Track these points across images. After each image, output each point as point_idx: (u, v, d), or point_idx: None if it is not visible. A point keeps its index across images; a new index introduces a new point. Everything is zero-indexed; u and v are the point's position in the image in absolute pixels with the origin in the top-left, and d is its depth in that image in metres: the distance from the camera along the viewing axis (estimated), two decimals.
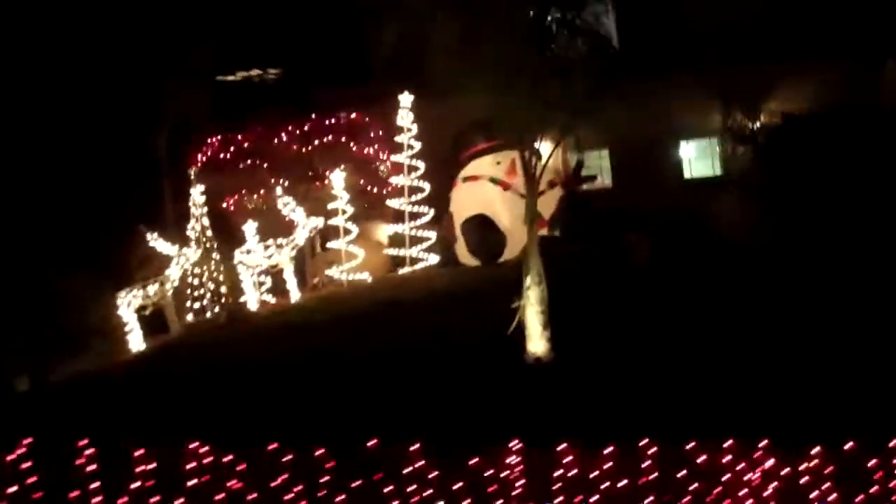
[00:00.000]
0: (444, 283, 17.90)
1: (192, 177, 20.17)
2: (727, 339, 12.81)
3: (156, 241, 18.10)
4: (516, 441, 9.68)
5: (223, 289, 19.66)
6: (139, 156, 23.16)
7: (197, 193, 19.82)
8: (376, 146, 20.91)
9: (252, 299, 18.21)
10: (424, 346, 13.97)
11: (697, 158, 25.13)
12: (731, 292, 14.93)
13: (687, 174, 24.96)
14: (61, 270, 18.71)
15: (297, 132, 20.62)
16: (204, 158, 21.34)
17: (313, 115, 20.81)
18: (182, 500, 9.28)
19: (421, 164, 20.07)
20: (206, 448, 9.56)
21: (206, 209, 19.87)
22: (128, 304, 17.37)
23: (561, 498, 9.40)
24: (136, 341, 17.35)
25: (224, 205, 21.35)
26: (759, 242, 18.10)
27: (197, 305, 19.61)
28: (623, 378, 11.80)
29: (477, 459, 9.49)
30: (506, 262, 19.16)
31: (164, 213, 23.05)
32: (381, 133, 21.21)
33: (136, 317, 17.48)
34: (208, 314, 19.65)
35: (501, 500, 9.43)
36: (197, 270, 19.23)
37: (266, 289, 19.01)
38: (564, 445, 9.56)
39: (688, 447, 9.59)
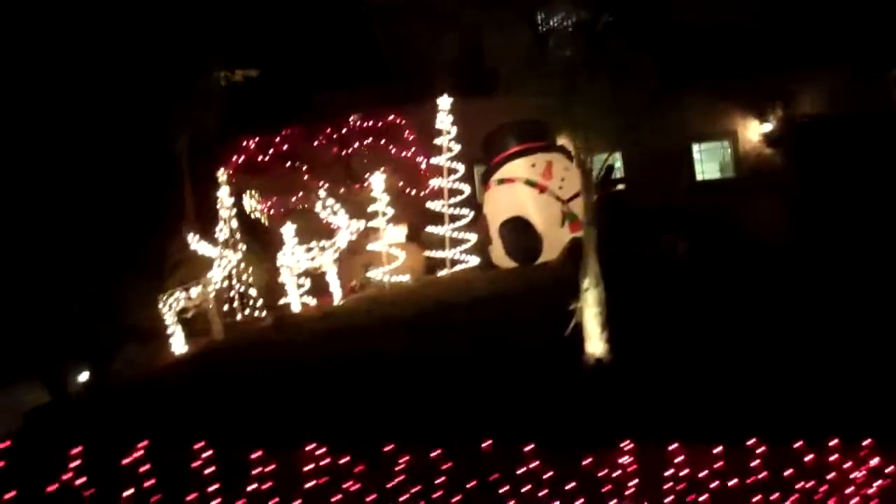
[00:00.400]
0: (486, 285, 17.87)
1: (220, 179, 20.01)
2: (787, 336, 12.96)
3: (197, 244, 17.98)
4: (627, 441, 9.79)
5: (252, 291, 19.60)
6: (159, 158, 22.98)
7: (225, 195, 19.71)
8: (413, 149, 20.93)
9: (295, 301, 18.16)
10: (481, 347, 13.94)
11: (709, 160, 25.51)
12: (780, 291, 15.08)
13: (700, 176, 25.32)
14: (98, 274, 18.59)
15: (334, 134, 20.57)
16: (236, 160, 21.19)
17: (351, 118, 20.79)
18: (299, 501, 9.25)
19: (460, 167, 20.13)
20: (323, 450, 9.54)
21: (235, 211, 19.77)
22: (170, 307, 17.26)
23: (672, 497, 9.54)
24: (179, 344, 17.24)
25: (259, 207, 21.25)
26: (789, 241, 18.49)
27: (226, 308, 19.53)
28: (692, 376, 11.88)
29: (590, 459, 9.59)
30: (542, 264, 19.27)
31: (186, 216, 22.87)
32: (412, 137, 21.24)
33: (177, 320, 17.38)
34: (238, 316, 19.56)
35: (615, 501, 9.54)
36: (226, 273, 19.08)
37: (304, 291, 18.94)
38: (675, 445, 9.71)
39: (794, 446, 9.76)
